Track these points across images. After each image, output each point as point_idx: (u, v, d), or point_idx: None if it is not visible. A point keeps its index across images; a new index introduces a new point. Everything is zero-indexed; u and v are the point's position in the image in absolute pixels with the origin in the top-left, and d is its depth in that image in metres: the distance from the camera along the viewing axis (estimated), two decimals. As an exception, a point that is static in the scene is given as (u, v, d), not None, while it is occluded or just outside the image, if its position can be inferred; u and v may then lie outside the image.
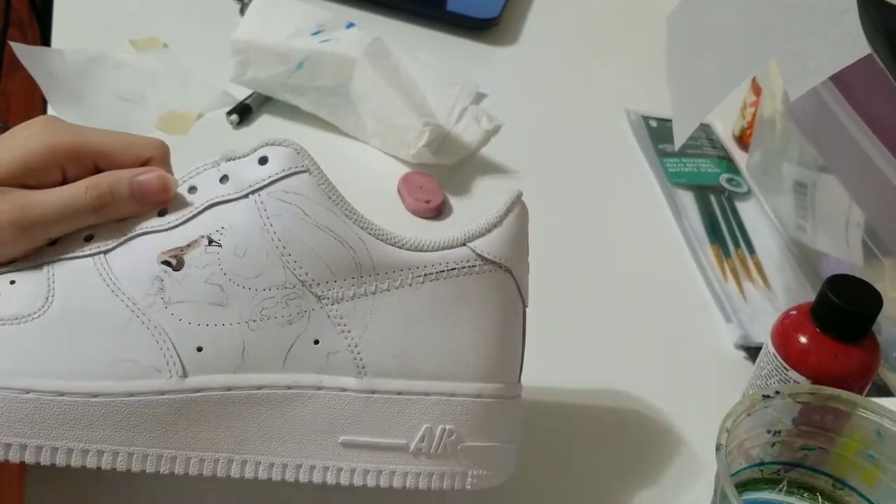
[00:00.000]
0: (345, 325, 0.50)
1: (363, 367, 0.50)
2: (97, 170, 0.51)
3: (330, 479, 0.50)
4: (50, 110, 0.79)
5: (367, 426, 0.50)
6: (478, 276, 0.51)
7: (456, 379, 0.51)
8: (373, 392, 0.50)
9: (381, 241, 0.50)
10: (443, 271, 0.51)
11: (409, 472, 0.50)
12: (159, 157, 0.52)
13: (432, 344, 0.51)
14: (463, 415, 0.51)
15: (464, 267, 0.51)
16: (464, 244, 0.51)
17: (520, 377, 0.55)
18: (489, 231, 0.52)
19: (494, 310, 0.52)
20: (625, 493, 0.61)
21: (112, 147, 0.51)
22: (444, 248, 0.51)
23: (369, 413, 0.50)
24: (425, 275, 0.51)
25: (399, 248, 0.50)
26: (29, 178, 0.50)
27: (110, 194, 0.49)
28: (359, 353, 0.50)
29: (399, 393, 0.50)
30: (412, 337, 0.50)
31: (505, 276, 0.52)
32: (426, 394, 0.51)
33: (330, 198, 0.49)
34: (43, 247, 0.50)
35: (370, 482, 0.50)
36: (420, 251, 0.51)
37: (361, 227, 0.50)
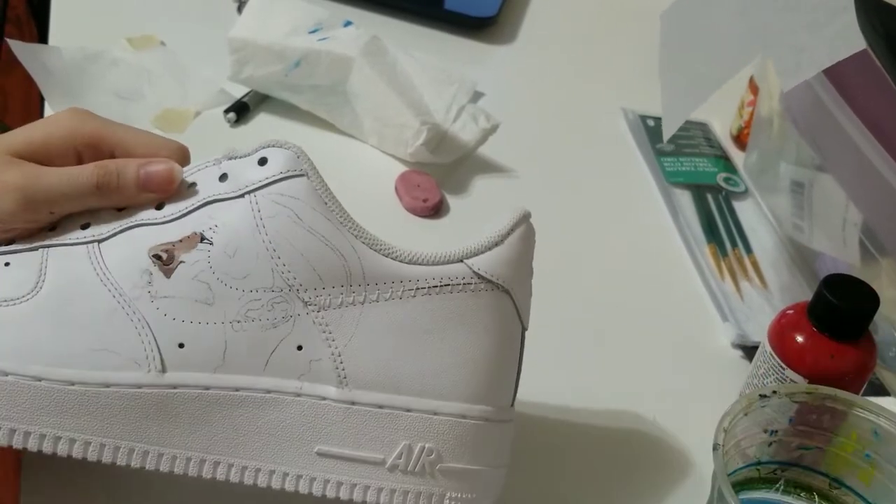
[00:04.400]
0: (330, 333, 0.49)
1: (345, 377, 0.49)
2: None
3: (302, 487, 0.49)
4: (47, 108, 0.79)
5: (345, 438, 0.49)
6: (473, 294, 0.50)
7: (440, 397, 0.50)
8: (353, 403, 0.49)
9: (375, 250, 0.49)
10: (436, 286, 0.50)
11: (384, 488, 0.49)
12: (175, 159, 0.52)
13: (418, 360, 0.50)
14: (444, 435, 0.50)
15: (458, 284, 0.50)
16: (461, 261, 0.50)
17: (513, 401, 0.53)
18: (489, 249, 0.50)
19: (487, 330, 0.51)
20: (621, 491, 0.61)
21: (131, 141, 0.52)
22: (439, 263, 0.50)
23: (347, 424, 0.49)
24: (417, 289, 0.49)
25: (393, 259, 0.49)
26: (47, 158, 0.51)
27: (116, 176, 0.50)
28: (342, 363, 0.49)
29: (380, 406, 0.49)
30: (398, 351, 0.49)
31: (502, 296, 0.51)
32: (408, 410, 0.50)
33: (326, 203, 0.49)
34: (41, 230, 0.51)
35: (343, 495, 0.49)
36: (414, 264, 0.49)
37: (355, 236, 0.49)
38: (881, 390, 0.67)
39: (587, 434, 0.64)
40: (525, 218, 0.52)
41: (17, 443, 0.47)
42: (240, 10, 0.91)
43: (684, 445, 0.64)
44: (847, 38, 0.54)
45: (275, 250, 0.48)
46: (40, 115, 0.80)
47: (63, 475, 0.53)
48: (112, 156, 0.51)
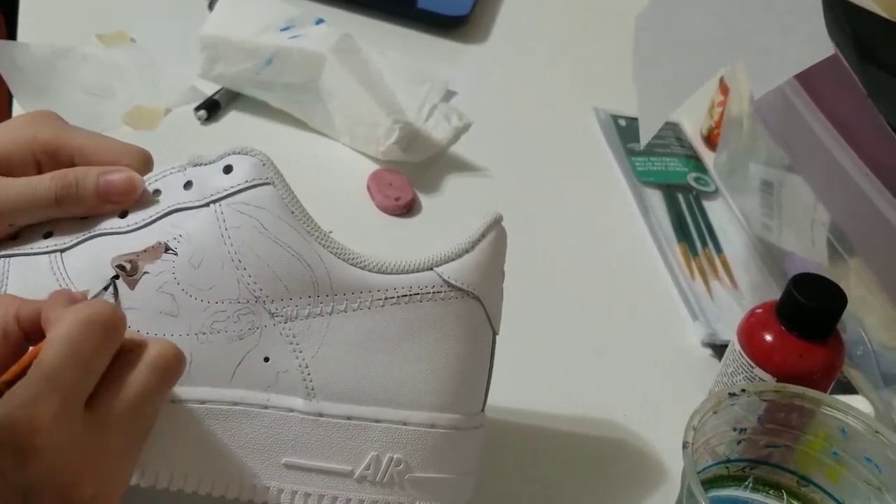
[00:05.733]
0: (297, 345, 0.48)
1: (312, 389, 0.49)
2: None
3: (271, 499, 0.49)
4: (15, 104, 0.78)
5: (312, 449, 0.49)
6: (443, 302, 0.49)
7: (409, 407, 0.50)
8: (320, 415, 0.49)
9: (343, 260, 0.48)
10: (405, 296, 0.49)
11: (352, 499, 0.49)
12: (137, 165, 0.50)
13: (387, 370, 0.49)
14: (413, 445, 0.50)
15: (428, 292, 0.49)
16: (431, 269, 0.49)
17: (484, 406, 0.53)
18: (459, 256, 0.50)
19: (457, 339, 0.50)
20: (592, 490, 0.61)
21: (91, 148, 0.50)
22: (408, 272, 0.49)
23: (315, 436, 0.49)
24: (386, 298, 0.49)
25: (361, 268, 0.49)
26: (6, 168, 0.49)
27: (75, 186, 0.49)
28: (309, 375, 0.49)
29: (348, 418, 0.49)
30: (366, 362, 0.49)
31: (473, 303, 0.50)
32: (376, 421, 0.49)
33: (292, 213, 0.48)
34: (3, 240, 0.50)
35: None
36: (383, 273, 0.49)
37: (322, 245, 0.48)
38: (849, 388, 0.68)
39: (557, 434, 0.64)
40: (496, 222, 0.51)
41: None
42: (211, 6, 0.90)
43: (654, 444, 0.64)
44: (817, 41, 0.54)
45: (240, 261, 0.47)
46: (9, 112, 0.80)
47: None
48: (72, 163, 0.50)
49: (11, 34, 0.91)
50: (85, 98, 0.81)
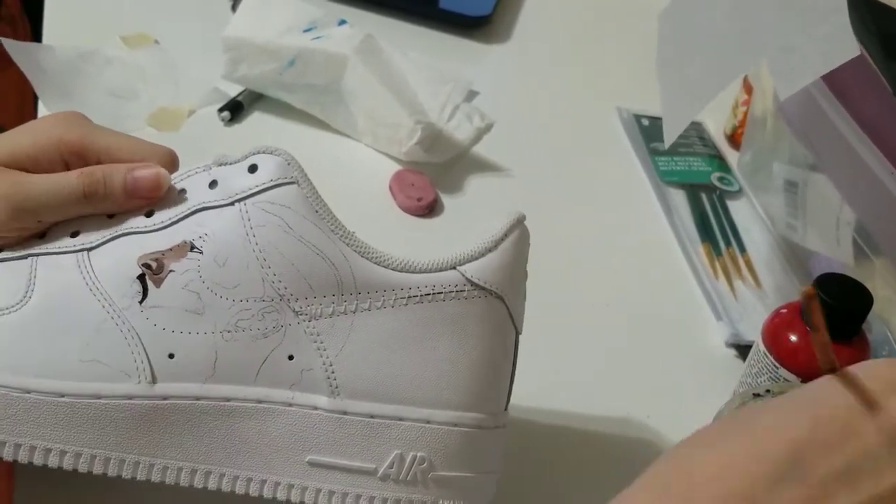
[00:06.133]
0: (321, 343, 0.48)
1: (336, 387, 0.49)
2: None
3: (294, 497, 0.49)
4: (41, 107, 0.79)
5: (336, 447, 0.49)
6: (466, 301, 0.50)
7: (432, 406, 0.50)
8: (344, 413, 0.49)
9: (367, 259, 0.49)
10: (428, 294, 0.49)
11: (376, 497, 0.49)
12: (163, 165, 0.51)
13: (410, 368, 0.49)
14: (437, 443, 0.50)
15: (451, 291, 0.49)
16: (454, 268, 0.49)
17: (507, 405, 0.53)
18: (482, 255, 0.50)
19: (480, 338, 0.50)
20: (614, 491, 0.61)
21: (118, 148, 0.51)
22: (432, 271, 0.49)
23: (339, 434, 0.49)
24: (409, 297, 0.49)
25: (385, 267, 0.49)
26: (34, 166, 0.50)
27: (103, 183, 0.49)
28: (333, 373, 0.49)
29: (371, 416, 0.49)
30: (390, 360, 0.49)
31: (496, 303, 0.50)
32: (400, 419, 0.49)
33: (316, 211, 0.48)
34: (31, 238, 0.50)
35: None
36: (407, 272, 0.49)
37: (347, 244, 0.48)
38: (874, 389, 0.67)
39: (580, 434, 0.64)
40: (519, 222, 0.51)
41: (6, 455, 0.46)
42: (234, 8, 0.91)
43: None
44: (841, 40, 0.54)
45: (265, 259, 0.48)
46: (34, 114, 0.80)
47: (57, 479, 0.53)
48: (98, 163, 0.51)
49: (36, 37, 0.92)
50: (109, 100, 0.81)
